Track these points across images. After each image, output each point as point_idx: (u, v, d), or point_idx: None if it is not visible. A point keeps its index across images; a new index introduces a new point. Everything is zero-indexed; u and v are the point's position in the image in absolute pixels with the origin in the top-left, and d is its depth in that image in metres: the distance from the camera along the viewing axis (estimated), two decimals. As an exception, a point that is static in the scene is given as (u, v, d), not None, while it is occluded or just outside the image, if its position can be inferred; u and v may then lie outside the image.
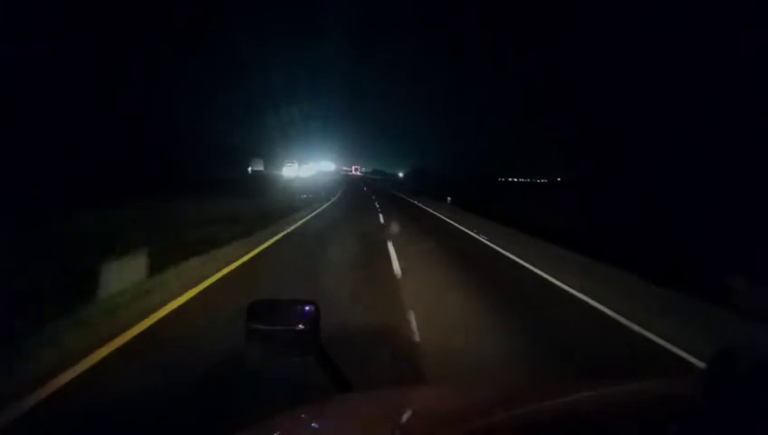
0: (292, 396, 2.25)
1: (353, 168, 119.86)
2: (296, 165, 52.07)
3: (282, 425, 0.91)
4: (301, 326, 1.10)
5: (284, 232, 9.62)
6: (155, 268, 5.06)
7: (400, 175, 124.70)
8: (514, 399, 0.95)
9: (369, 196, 30.72)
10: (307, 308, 1.13)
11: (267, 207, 13.81)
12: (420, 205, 24.25)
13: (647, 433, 0.68)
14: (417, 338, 3.71)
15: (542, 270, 7.29)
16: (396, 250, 7.92)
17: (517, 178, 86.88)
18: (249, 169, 46.18)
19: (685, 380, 0.89)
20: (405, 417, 0.92)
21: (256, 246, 7.58)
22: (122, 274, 4.45)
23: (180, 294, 4.49)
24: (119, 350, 3.13)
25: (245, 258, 6.62)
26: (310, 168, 67.75)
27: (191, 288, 4.75)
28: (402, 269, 6.40)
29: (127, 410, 2.37)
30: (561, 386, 1.07)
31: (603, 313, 5.10)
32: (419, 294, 5.11)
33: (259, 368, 2.58)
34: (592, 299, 5.60)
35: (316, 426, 0.93)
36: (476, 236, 11.46)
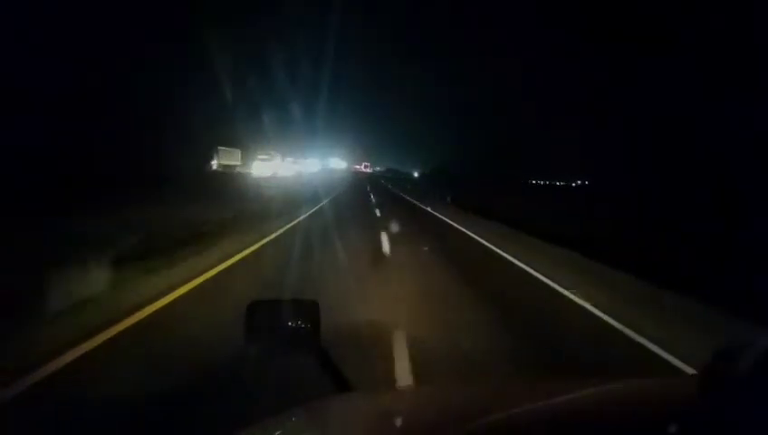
0: (292, 396, 2.25)
1: (363, 164, 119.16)
2: (277, 159, 39.38)
3: (282, 425, 0.91)
4: (301, 325, 1.11)
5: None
6: None
7: (415, 175, 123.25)
8: (514, 398, 0.95)
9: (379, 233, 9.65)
10: (307, 307, 1.13)
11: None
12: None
13: (647, 433, 0.68)
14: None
15: None
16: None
17: (536, 179, 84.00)
18: (213, 163, 32.25)
19: (685, 380, 0.89)
20: (405, 417, 0.92)
21: None
22: None
23: None
24: None
25: None
26: (311, 163, 59.53)
27: None
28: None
29: None
30: (560, 386, 1.07)
31: None
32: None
33: (259, 367, 2.58)
34: None
35: (316, 426, 0.93)
36: None
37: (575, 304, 5.28)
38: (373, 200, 22.57)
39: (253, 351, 1.19)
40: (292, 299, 1.16)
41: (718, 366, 0.69)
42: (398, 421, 0.90)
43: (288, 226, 9.77)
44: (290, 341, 1.11)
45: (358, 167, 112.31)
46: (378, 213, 15.55)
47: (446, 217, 15.35)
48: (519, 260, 7.66)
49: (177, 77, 24.23)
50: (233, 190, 18.43)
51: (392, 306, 4.52)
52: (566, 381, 1.32)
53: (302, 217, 11.45)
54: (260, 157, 35.39)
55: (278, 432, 0.88)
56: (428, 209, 18.84)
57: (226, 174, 30.16)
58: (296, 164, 48.76)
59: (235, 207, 11.42)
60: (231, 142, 34.60)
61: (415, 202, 23.71)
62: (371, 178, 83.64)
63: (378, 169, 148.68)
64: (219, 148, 33.25)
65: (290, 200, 15.52)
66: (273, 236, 8.33)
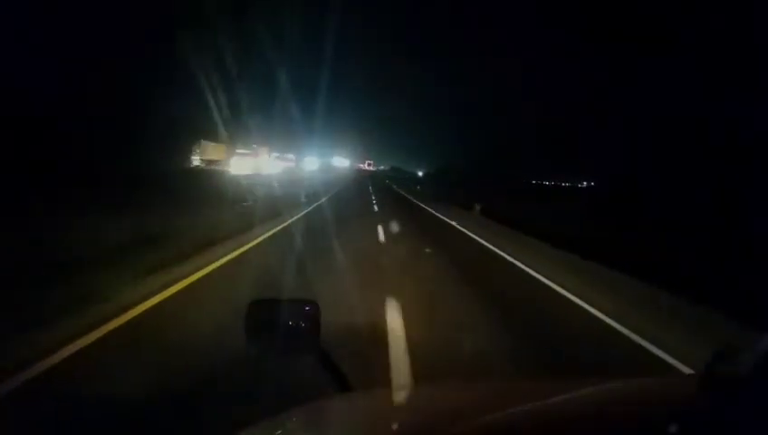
0: (292, 396, 2.26)
1: (366, 163, 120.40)
2: (262, 154, 33.79)
3: (282, 425, 0.91)
4: (301, 325, 1.11)
5: None
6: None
7: (419, 174, 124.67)
8: (514, 398, 0.95)
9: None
10: (307, 308, 1.13)
11: None
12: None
13: (647, 433, 0.68)
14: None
15: None
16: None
17: (539, 180, 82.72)
18: (197, 158, 28.29)
19: (685, 380, 0.89)
20: (405, 417, 0.92)
21: None
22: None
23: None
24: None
25: None
26: (309, 161, 55.63)
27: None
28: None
29: None
30: (560, 385, 1.07)
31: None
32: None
33: (259, 368, 2.59)
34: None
35: (316, 426, 0.93)
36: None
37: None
38: (375, 208, 17.06)
39: (253, 351, 1.19)
40: (292, 299, 1.16)
41: (718, 366, 0.69)
42: (398, 421, 0.90)
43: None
44: (290, 341, 1.11)
45: (361, 165, 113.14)
46: (381, 237, 9.39)
47: (509, 254, 8.53)
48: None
49: (174, 76, 21.77)
50: (197, 192, 14.14)
51: None
52: (566, 380, 1.32)
53: (256, 241, 7.75)
54: (240, 151, 29.58)
55: (278, 432, 0.89)
56: (457, 226, 12.81)
57: (207, 170, 26.33)
58: (282, 160, 43.53)
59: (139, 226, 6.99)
60: (217, 137, 29.30)
61: (432, 211, 17.78)
62: (375, 176, 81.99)
63: (381, 167, 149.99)
64: (202, 141, 28.99)
65: (269, 206, 11.84)
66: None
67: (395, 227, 11.20)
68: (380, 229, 10.26)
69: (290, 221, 10.73)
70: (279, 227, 9.62)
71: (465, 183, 46.11)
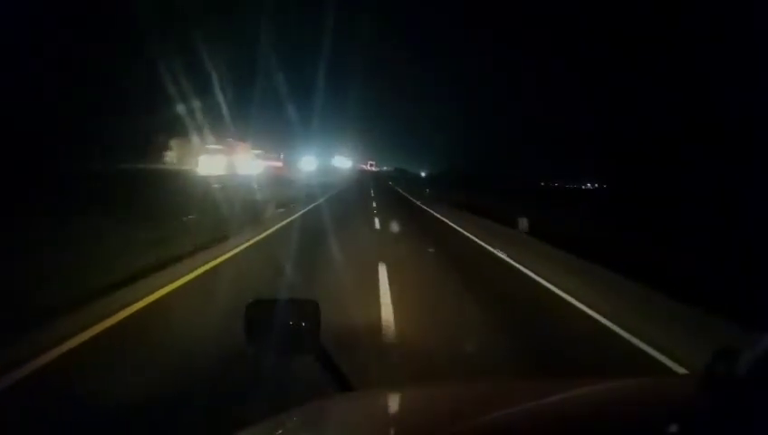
0: (292, 396, 2.26)
1: (368, 163, 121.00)
2: (240, 151, 28.57)
3: (282, 425, 0.91)
4: (301, 325, 1.11)
5: None
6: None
7: (422, 174, 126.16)
8: (514, 398, 0.95)
9: None
10: (307, 307, 1.13)
11: None
12: None
13: (647, 433, 0.68)
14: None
15: None
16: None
17: (547, 182, 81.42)
18: (167, 158, 26.33)
19: (685, 380, 0.88)
20: (405, 417, 0.92)
21: None
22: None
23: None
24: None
25: None
26: (307, 161, 48.96)
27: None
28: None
29: None
30: (560, 385, 1.07)
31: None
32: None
33: (259, 368, 2.59)
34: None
35: (316, 426, 0.93)
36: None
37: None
38: (377, 224, 12.04)
39: (252, 351, 1.18)
40: (291, 299, 1.15)
41: (718, 366, 0.69)
42: (398, 421, 0.90)
43: None
44: (290, 341, 1.11)
45: (363, 166, 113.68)
46: (385, 306, 4.35)
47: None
48: None
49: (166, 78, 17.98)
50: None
51: None
52: (566, 380, 1.33)
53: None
54: (210, 147, 24.14)
55: (278, 432, 0.89)
56: (528, 272, 6.80)
57: (173, 171, 21.92)
58: (264, 159, 37.11)
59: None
60: (188, 132, 24.53)
61: (460, 229, 12.12)
62: (378, 178, 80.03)
63: (384, 168, 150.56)
64: (172, 142, 25.44)
65: (219, 221, 8.92)
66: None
67: (410, 269, 6.52)
68: (384, 279, 5.54)
69: (227, 256, 6.56)
70: (198, 272, 5.46)
71: (469, 184, 44.30)
